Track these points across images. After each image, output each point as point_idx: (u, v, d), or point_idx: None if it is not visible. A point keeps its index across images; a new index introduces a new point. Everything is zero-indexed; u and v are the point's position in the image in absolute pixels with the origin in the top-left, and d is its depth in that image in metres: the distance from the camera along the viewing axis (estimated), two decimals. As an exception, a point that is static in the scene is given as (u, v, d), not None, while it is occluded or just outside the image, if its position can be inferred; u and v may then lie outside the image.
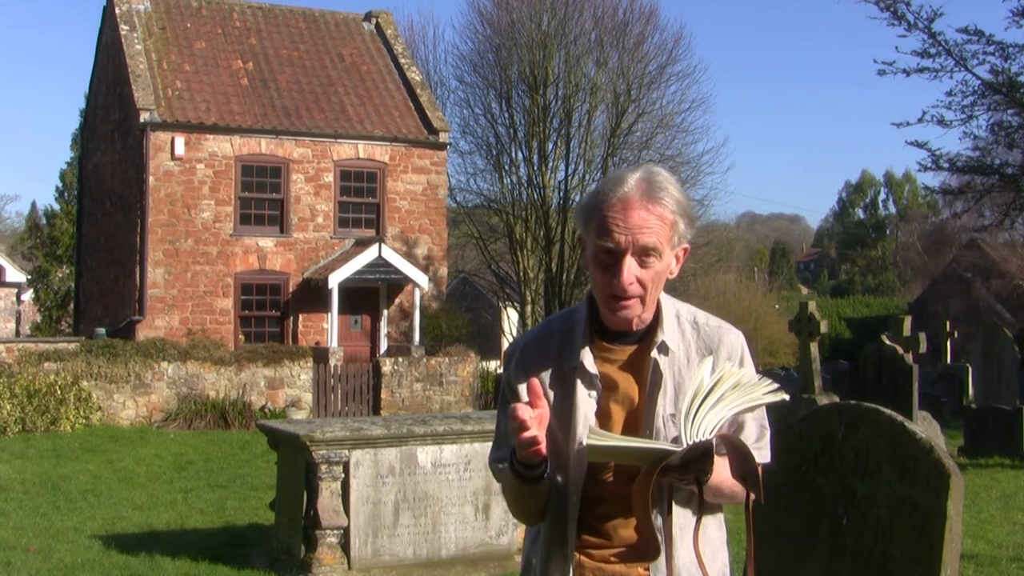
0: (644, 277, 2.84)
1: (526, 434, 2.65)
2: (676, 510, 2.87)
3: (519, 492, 2.86)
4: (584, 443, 2.69)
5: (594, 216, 2.87)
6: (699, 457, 2.63)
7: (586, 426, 2.87)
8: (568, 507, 2.89)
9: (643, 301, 2.87)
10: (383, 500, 8.89)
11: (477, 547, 9.20)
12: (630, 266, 2.82)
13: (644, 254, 2.82)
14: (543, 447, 2.70)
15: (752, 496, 2.71)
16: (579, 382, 2.92)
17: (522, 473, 2.79)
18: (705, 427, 2.64)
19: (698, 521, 2.80)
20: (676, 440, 2.70)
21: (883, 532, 4.43)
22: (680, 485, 2.76)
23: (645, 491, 2.64)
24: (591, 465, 2.86)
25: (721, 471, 2.74)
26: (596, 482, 2.88)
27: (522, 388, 2.91)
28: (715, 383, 2.71)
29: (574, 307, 3.09)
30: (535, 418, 2.67)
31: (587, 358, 2.93)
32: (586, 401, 2.91)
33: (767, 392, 2.73)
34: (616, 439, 2.69)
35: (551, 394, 2.94)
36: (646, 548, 2.78)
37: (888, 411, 4.59)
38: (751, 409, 2.75)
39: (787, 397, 2.79)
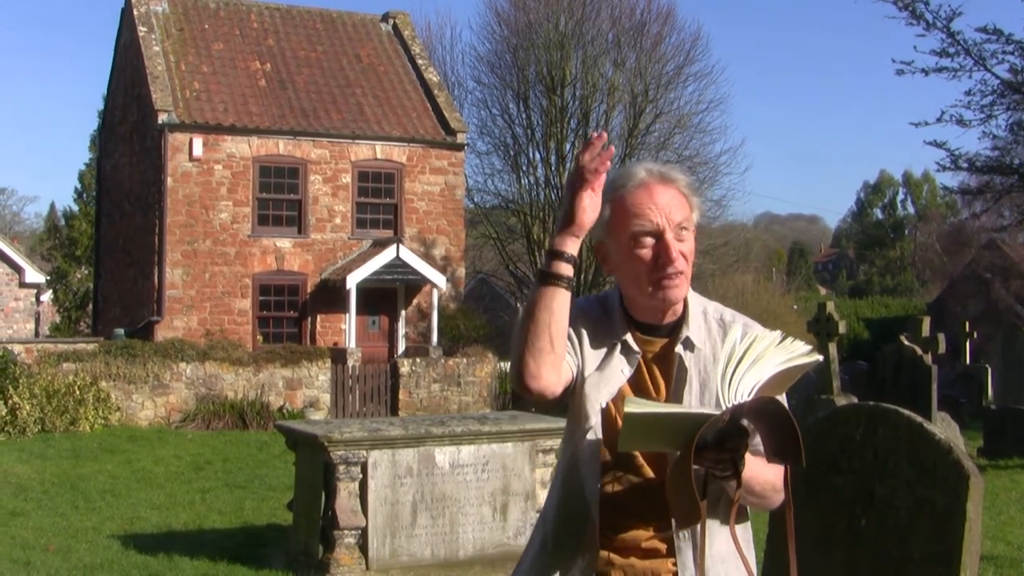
0: (685, 251, 2.86)
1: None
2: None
3: (536, 304, 2.76)
4: (626, 410, 2.58)
5: (617, 209, 2.87)
6: (736, 434, 2.58)
7: (610, 392, 2.88)
8: (589, 466, 2.88)
9: (687, 278, 2.89)
10: (401, 501, 8.90)
11: (495, 548, 9.20)
12: (673, 241, 2.84)
13: (680, 228, 2.85)
14: (590, 204, 2.73)
15: (790, 472, 2.65)
16: (617, 353, 2.92)
17: (552, 249, 2.76)
18: (743, 388, 2.60)
19: (732, 515, 2.76)
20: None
21: (902, 533, 4.42)
22: (715, 472, 2.66)
23: (682, 468, 2.57)
24: (612, 460, 2.86)
25: (752, 466, 2.71)
26: (621, 479, 2.87)
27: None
28: (749, 345, 2.67)
29: (604, 293, 3.09)
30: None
31: (629, 337, 2.94)
32: (618, 374, 2.91)
33: (804, 352, 2.70)
34: (655, 406, 2.64)
35: (588, 359, 2.93)
36: (686, 513, 2.65)
37: (907, 412, 4.58)
38: (790, 371, 2.68)
39: (821, 358, 2.76)
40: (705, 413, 2.56)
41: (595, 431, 2.88)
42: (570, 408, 2.97)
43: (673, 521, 2.83)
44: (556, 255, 2.75)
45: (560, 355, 2.78)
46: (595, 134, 2.70)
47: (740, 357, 2.65)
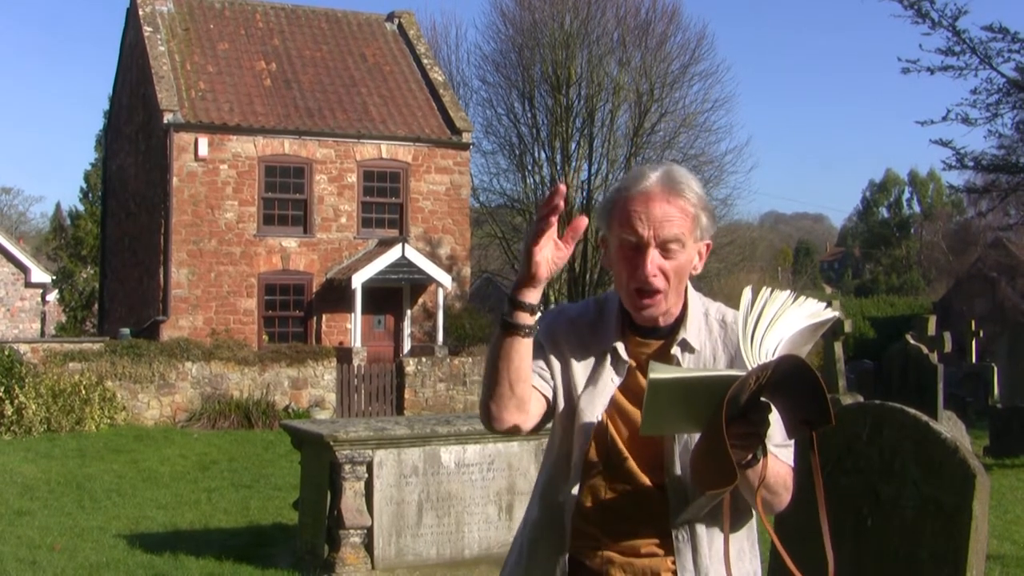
0: (668, 269, 2.81)
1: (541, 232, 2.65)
2: (699, 525, 2.84)
3: (496, 351, 2.77)
4: (650, 377, 2.51)
5: (616, 210, 2.85)
6: (757, 407, 2.51)
7: (603, 403, 2.87)
8: (570, 474, 2.89)
9: (667, 296, 2.84)
10: (406, 500, 8.89)
11: (501, 547, 9.18)
12: (653, 258, 2.79)
13: (667, 246, 2.80)
14: (544, 258, 2.68)
15: (816, 440, 2.59)
16: (607, 363, 2.91)
17: (512, 299, 2.74)
18: (767, 347, 2.56)
19: (726, 516, 2.72)
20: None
21: (908, 533, 4.41)
22: (738, 446, 2.52)
23: (714, 429, 2.48)
24: (610, 453, 2.85)
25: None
26: (616, 487, 2.86)
27: (545, 344, 2.94)
28: (764, 305, 2.63)
29: (606, 294, 3.08)
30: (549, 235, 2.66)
31: (620, 343, 2.91)
32: (608, 383, 2.89)
33: (822, 309, 2.67)
34: (680, 371, 2.62)
35: (578, 372, 2.93)
36: (722, 475, 2.51)
37: (913, 411, 4.56)
38: (812, 328, 2.65)
39: (838, 314, 2.73)
40: (732, 374, 2.50)
41: (581, 443, 2.87)
42: (555, 419, 2.96)
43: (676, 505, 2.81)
44: (517, 305, 2.74)
45: (522, 396, 2.79)
46: (558, 186, 2.65)
47: (757, 317, 2.60)
